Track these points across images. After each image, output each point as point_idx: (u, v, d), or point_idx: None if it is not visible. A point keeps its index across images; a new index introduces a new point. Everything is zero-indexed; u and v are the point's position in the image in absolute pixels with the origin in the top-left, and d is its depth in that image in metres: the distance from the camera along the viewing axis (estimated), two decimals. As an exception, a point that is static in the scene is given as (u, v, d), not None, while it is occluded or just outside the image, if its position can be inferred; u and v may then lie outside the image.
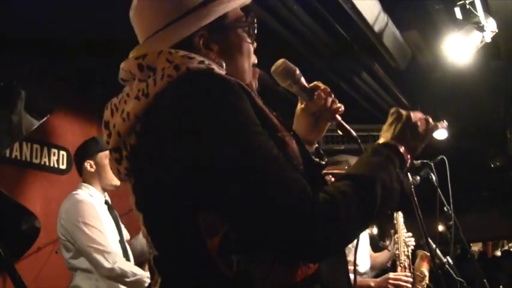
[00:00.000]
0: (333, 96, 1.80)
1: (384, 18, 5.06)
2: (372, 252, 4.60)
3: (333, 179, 1.94)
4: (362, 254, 4.27)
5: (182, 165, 1.30)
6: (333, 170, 1.95)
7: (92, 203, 3.76)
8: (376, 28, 4.98)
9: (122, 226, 3.98)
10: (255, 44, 1.66)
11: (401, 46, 5.71)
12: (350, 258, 1.81)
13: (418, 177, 3.62)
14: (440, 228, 4.43)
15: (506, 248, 13.28)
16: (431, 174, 3.57)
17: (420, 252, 4.45)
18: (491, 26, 4.75)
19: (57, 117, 5.28)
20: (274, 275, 1.31)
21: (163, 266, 1.46)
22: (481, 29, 4.65)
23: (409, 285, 4.05)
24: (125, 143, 1.44)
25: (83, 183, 3.87)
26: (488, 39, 4.77)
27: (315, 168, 1.55)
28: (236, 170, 1.26)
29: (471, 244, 13.34)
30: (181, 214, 1.33)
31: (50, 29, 4.45)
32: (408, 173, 3.34)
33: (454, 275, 3.83)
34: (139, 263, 4.00)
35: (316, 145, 1.89)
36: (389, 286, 3.93)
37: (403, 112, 1.60)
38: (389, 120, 1.61)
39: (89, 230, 3.59)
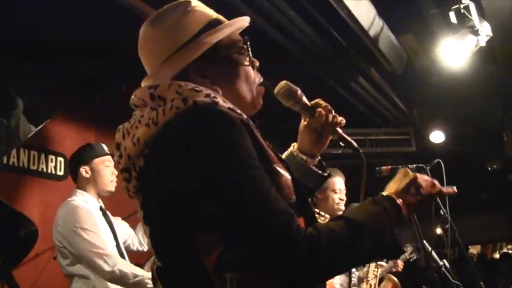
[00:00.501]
0: (333, 112, 1.92)
1: (379, 22, 5.08)
2: None
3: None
4: None
5: (182, 189, 1.42)
6: None
7: (88, 208, 3.77)
8: (372, 33, 5.00)
9: (117, 231, 3.99)
10: (257, 63, 1.76)
11: (397, 50, 5.73)
12: None
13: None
14: (438, 231, 4.44)
15: (504, 250, 13.29)
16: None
17: (388, 276, 4.49)
18: (485, 30, 4.77)
19: (54, 123, 5.29)
20: None
21: (165, 277, 1.58)
22: (475, 33, 4.67)
23: None
24: (134, 165, 1.57)
25: (78, 190, 3.88)
26: (483, 43, 4.79)
27: (305, 199, 1.64)
28: (229, 200, 1.38)
29: (470, 247, 13.34)
30: (182, 233, 1.46)
31: (49, 34, 4.46)
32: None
33: (450, 278, 3.84)
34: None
35: (319, 158, 2.02)
36: None
37: (411, 173, 1.66)
38: (397, 176, 1.68)
39: (87, 235, 3.60)
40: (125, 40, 4.54)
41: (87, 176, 3.86)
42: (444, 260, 4.01)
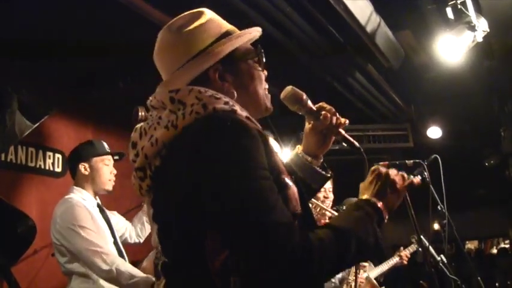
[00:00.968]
0: (337, 114, 2.03)
1: (376, 18, 5.08)
2: None
3: None
4: None
5: (196, 192, 1.49)
6: None
7: (86, 206, 3.77)
8: (369, 29, 5.00)
9: (115, 228, 4.00)
10: (266, 72, 1.86)
11: (394, 46, 5.73)
12: None
13: (412, 177, 3.64)
14: (436, 226, 4.45)
15: (502, 245, 13.32)
16: (425, 173, 3.59)
17: (370, 280, 4.50)
18: (482, 26, 4.78)
19: (52, 120, 5.29)
20: None
21: (170, 273, 1.66)
22: (472, 28, 4.67)
23: None
24: (150, 164, 1.64)
25: (75, 187, 3.88)
26: (480, 39, 4.79)
27: (309, 211, 1.75)
28: (237, 207, 1.45)
29: (467, 242, 13.38)
30: (191, 234, 1.54)
31: (46, 32, 4.45)
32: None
33: (447, 273, 3.85)
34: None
35: (322, 159, 2.12)
36: None
37: (383, 170, 1.79)
38: (370, 178, 1.79)
39: (85, 233, 3.60)
40: (123, 38, 4.59)
41: (86, 173, 3.87)
42: (442, 255, 4.03)
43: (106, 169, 3.93)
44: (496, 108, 7.78)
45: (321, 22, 5.06)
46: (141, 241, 4.30)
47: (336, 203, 4.64)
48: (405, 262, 5.15)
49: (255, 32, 1.85)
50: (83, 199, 3.81)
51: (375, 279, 4.59)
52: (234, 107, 1.60)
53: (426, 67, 6.29)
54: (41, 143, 5.40)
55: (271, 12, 4.63)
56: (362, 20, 4.84)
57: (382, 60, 5.75)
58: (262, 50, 1.85)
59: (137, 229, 4.26)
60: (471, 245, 14.32)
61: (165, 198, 1.62)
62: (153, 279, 3.38)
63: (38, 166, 5.33)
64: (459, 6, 4.59)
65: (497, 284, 9.13)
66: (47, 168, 5.44)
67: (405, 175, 1.82)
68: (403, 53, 5.99)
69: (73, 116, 5.78)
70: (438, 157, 3.64)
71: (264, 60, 1.85)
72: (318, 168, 2.09)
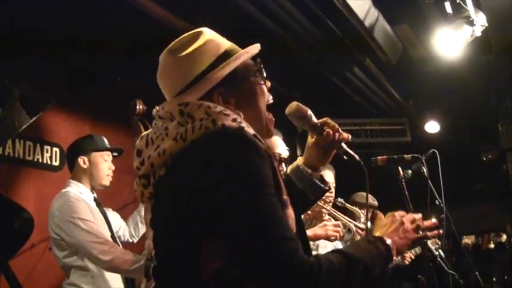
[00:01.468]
0: (340, 130, 2.09)
1: (374, 13, 5.07)
2: None
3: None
4: None
5: (201, 202, 1.53)
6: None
7: (83, 199, 3.77)
8: (367, 23, 4.99)
9: (112, 222, 4.00)
10: (269, 84, 1.91)
11: (392, 40, 5.73)
12: None
13: (410, 171, 3.64)
14: (433, 221, 4.45)
15: (498, 240, 13.34)
16: (423, 167, 3.59)
17: None
18: (481, 20, 4.77)
19: (49, 114, 5.28)
20: None
21: (161, 277, 1.72)
22: (471, 23, 4.67)
23: None
24: (154, 173, 1.69)
25: (72, 181, 3.88)
26: (478, 34, 4.79)
27: (303, 231, 1.85)
28: (245, 222, 1.48)
29: (464, 237, 13.39)
30: (188, 240, 1.57)
31: (45, 26, 4.44)
32: (400, 167, 3.37)
33: (445, 268, 3.85)
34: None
35: (321, 172, 2.19)
36: None
37: (399, 216, 1.87)
38: (386, 220, 1.88)
39: (84, 225, 3.61)
40: (122, 33, 4.58)
41: (85, 166, 3.87)
42: (439, 250, 4.03)
43: (105, 164, 3.94)
44: (494, 103, 7.79)
45: (319, 16, 5.06)
46: (135, 241, 4.30)
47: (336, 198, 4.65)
48: (407, 262, 5.13)
49: (253, 49, 1.88)
50: (80, 193, 3.82)
51: None
52: (241, 124, 1.63)
53: (424, 62, 6.28)
54: (38, 136, 5.39)
55: (269, 6, 4.62)
56: (360, 14, 4.83)
57: (380, 54, 5.75)
58: (262, 65, 1.89)
59: (131, 229, 4.26)
60: (468, 239, 14.34)
61: (166, 206, 1.68)
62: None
63: (35, 160, 5.32)
64: (458, 1, 4.58)
65: (494, 279, 9.14)
66: (45, 162, 5.43)
67: (422, 224, 1.90)
68: (401, 47, 5.98)
69: (71, 110, 5.77)
70: (436, 152, 3.64)
71: (265, 73, 1.89)
72: (316, 181, 2.15)
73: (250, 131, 1.65)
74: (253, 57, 1.90)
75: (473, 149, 9.26)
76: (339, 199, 4.65)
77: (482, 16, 4.82)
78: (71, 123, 5.73)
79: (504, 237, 12.84)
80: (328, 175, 4.17)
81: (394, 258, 1.82)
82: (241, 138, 1.59)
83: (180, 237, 1.59)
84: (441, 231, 2.02)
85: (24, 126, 4.20)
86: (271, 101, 1.92)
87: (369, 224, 4.55)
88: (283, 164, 3.38)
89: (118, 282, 3.78)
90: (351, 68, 6.36)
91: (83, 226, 3.60)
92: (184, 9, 4.53)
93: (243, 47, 1.87)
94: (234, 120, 1.63)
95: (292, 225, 1.65)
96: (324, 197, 4.20)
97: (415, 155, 3.54)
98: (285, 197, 1.65)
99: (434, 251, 4.01)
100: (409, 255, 5.24)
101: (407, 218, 1.87)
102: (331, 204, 4.31)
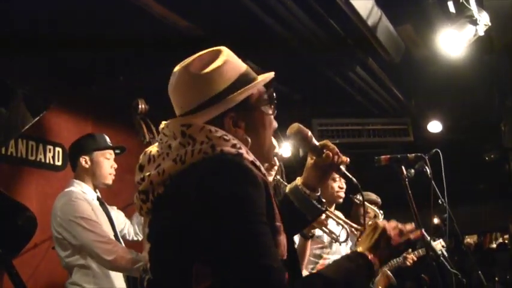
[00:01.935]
0: (339, 153, 2.14)
1: (377, 12, 5.07)
2: None
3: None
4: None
5: (193, 224, 1.57)
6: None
7: (86, 198, 3.77)
8: (370, 22, 4.99)
9: (116, 221, 4.00)
10: (275, 112, 1.95)
11: (395, 40, 5.72)
12: None
13: (413, 171, 3.64)
14: (436, 221, 4.45)
15: (500, 240, 13.33)
16: (426, 167, 3.59)
17: (385, 272, 4.50)
18: (484, 20, 4.75)
19: (52, 114, 5.29)
20: None
21: None
22: (474, 22, 4.65)
23: None
24: (153, 190, 1.74)
25: (75, 180, 3.88)
26: (481, 33, 4.77)
27: (295, 257, 1.88)
28: (233, 249, 1.52)
29: (466, 236, 13.38)
30: (180, 259, 1.62)
31: (47, 25, 4.45)
32: (403, 166, 3.37)
33: (448, 267, 3.85)
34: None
35: (319, 192, 2.22)
36: None
37: (380, 224, 1.88)
38: (367, 231, 1.89)
39: (87, 224, 3.61)
40: (124, 31, 4.58)
41: (87, 166, 3.87)
42: (442, 249, 4.03)
43: (107, 163, 3.93)
44: (496, 103, 7.77)
45: (321, 15, 5.05)
46: (140, 239, 4.30)
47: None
48: (409, 264, 5.10)
49: (268, 77, 1.91)
50: (83, 192, 3.82)
51: None
52: (240, 149, 1.68)
53: (427, 61, 6.27)
54: (41, 136, 5.39)
55: (272, 5, 4.62)
56: (363, 13, 4.83)
57: (383, 54, 5.74)
58: (274, 94, 1.93)
59: (135, 227, 4.26)
60: (470, 239, 14.32)
61: (162, 222, 1.72)
62: None
63: (38, 159, 5.33)
64: (461, 0, 4.57)
65: (496, 279, 9.13)
66: (47, 161, 5.44)
67: (404, 229, 1.91)
68: (404, 46, 5.97)
69: (73, 110, 5.78)
70: (439, 151, 3.64)
71: (275, 101, 1.93)
72: (314, 202, 2.18)
73: (249, 157, 1.71)
74: (267, 86, 1.93)
75: (476, 148, 9.24)
76: (358, 196, 4.64)
77: (485, 15, 4.81)
78: (73, 123, 5.73)
79: (506, 237, 12.84)
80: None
81: (395, 261, 1.86)
82: (237, 166, 1.63)
83: (174, 255, 1.64)
84: (423, 232, 2.09)
85: (27, 126, 4.20)
86: (276, 127, 1.97)
87: None
88: (282, 165, 3.40)
89: (120, 282, 3.78)
90: (353, 68, 6.35)
91: (85, 225, 3.60)
92: (186, 9, 4.53)
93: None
94: (234, 146, 1.68)
95: (283, 251, 1.69)
96: (335, 192, 4.25)
97: (418, 154, 3.54)
98: (278, 223, 1.69)
99: (438, 251, 4.02)
100: (411, 257, 5.21)
101: (390, 226, 1.88)
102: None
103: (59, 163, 5.54)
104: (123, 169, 4.18)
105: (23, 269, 4.10)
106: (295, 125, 2.12)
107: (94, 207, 3.79)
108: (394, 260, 5.05)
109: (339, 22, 5.24)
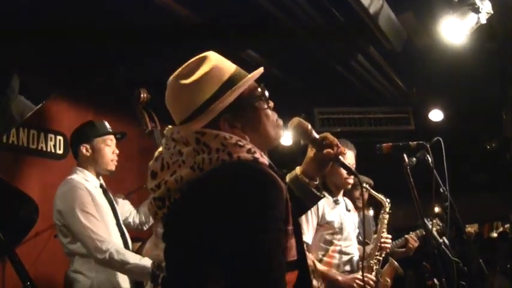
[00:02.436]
0: (338, 144, 2.20)
1: (379, 0, 5.05)
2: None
3: None
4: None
5: (212, 230, 1.65)
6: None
7: (88, 188, 3.77)
8: (372, 10, 4.97)
9: (118, 209, 4.00)
10: (272, 104, 2.01)
11: (396, 28, 5.70)
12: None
13: (414, 159, 3.64)
14: (437, 209, 4.45)
15: (501, 229, 13.33)
16: (427, 155, 3.59)
17: (393, 263, 4.50)
18: (486, 8, 4.74)
19: (53, 102, 5.29)
20: None
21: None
22: (476, 10, 4.63)
23: None
24: (170, 197, 1.80)
25: (78, 168, 3.88)
26: (483, 21, 4.76)
27: (304, 257, 1.93)
28: (248, 257, 1.59)
29: (467, 225, 13.38)
30: (195, 261, 1.69)
31: (48, 15, 4.43)
32: (404, 154, 3.37)
33: (450, 255, 3.86)
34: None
35: (317, 181, 2.28)
36: (355, 286, 4.00)
37: None
38: None
39: (83, 217, 3.61)
40: (125, 21, 4.56)
41: (88, 154, 3.87)
42: (444, 237, 4.03)
43: (108, 149, 3.92)
44: (498, 92, 7.76)
45: (322, 3, 5.03)
46: (145, 229, 4.31)
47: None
48: (411, 246, 5.01)
49: (257, 74, 1.97)
50: (86, 180, 3.82)
51: None
52: (255, 154, 1.77)
53: (429, 50, 6.25)
54: (42, 125, 5.40)
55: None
56: (365, 1, 4.81)
57: (384, 42, 5.72)
58: (265, 88, 1.99)
59: (141, 216, 4.27)
60: (471, 228, 14.33)
61: (177, 227, 1.80)
62: (149, 268, 3.47)
63: (39, 148, 5.34)
64: (463, -12, 4.56)
65: (497, 268, 9.13)
66: (49, 150, 5.45)
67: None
68: (405, 35, 5.95)
69: (74, 98, 5.78)
70: (441, 140, 3.63)
71: (267, 95, 1.99)
72: (313, 189, 2.24)
73: (264, 160, 1.80)
74: (257, 80, 1.99)
75: (477, 137, 9.24)
76: (365, 184, 4.64)
77: (487, 3, 4.79)
78: (74, 112, 5.74)
79: (507, 226, 12.85)
80: (349, 155, 4.17)
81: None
82: (256, 172, 1.72)
83: (189, 256, 1.72)
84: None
85: (28, 115, 4.20)
86: (277, 117, 2.02)
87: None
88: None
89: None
90: (354, 56, 6.33)
91: (81, 219, 3.61)
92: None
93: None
94: (249, 151, 1.77)
95: (293, 253, 1.78)
96: (343, 179, 4.28)
97: (420, 142, 3.54)
98: (290, 227, 1.76)
99: (439, 239, 4.02)
100: (412, 237, 5.08)
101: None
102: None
103: (60, 152, 5.55)
104: (125, 157, 4.19)
105: (25, 258, 4.12)
106: (296, 119, 2.18)
107: (96, 196, 3.79)
108: (396, 241, 5.03)
109: (341, 10, 5.22)
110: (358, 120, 7.49)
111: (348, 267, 4.19)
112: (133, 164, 5.56)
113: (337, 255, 4.17)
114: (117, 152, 3.98)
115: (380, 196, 4.63)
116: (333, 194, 4.25)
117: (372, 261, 4.33)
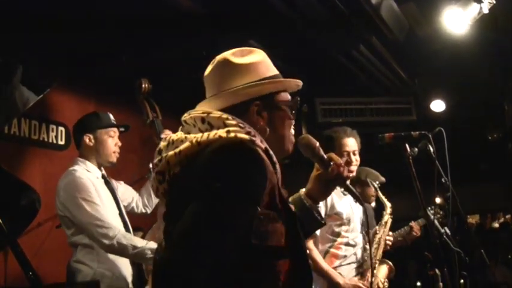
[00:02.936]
0: (345, 167, 2.19)
1: (381, -10, 5.05)
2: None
3: None
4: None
5: (194, 200, 1.69)
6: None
7: (90, 178, 3.77)
8: (374, 0, 4.96)
9: (120, 198, 4.01)
10: (293, 121, 2.10)
11: (398, 18, 5.69)
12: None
13: (416, 149, 3.63)
14: (438, 199, 4.45)
15: (502, 220, 13.34)
16: (429, 145, 3.58)
17: (385, 261, 4.50)
18: (489, -3, 4.73)
19: (55, 93, 5.28)
20: None
21: None
22: (478, 0, 4.62)
23: None
24: (169, 170, 1.87)
25: (79, 159, 3.88)
26: (485, 11, 4.75)
27: (300, 245, 1.92)
28: (188, 232, 1.65)
29: (468, 216, 13.39)
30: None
31: (49, 5, 4.42)
32: (407, 144, 3.37)
33: (451, 246, 3.86)
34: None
35: (319, 205, 2.27)
36: None
37: None
38: None
39: (88, 206, 3.61)
40: (126, 12, 4.55)
41: (91, 144, 3.87)
42: (445, 228, 4.03)
43: (111, 141, 3.92)
44: (500, 82, 7.75)
45: (325, -6, 5.03)
46: (149, 211, 4.31)
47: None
48: (415, 234, 4.99)
49: (297, 83, 2.10)
50: (88, 171, 3.82)
51: None
52: (254, 137, 1.81)
53: (430, 40, 6.24)
54: (44, 115, 5.40)
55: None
56: (367, -9, 4.81)
57: (386, 32, 5.72)
58: (299, 101, 2.09)
59: (144, 199, 4.27)
60: (472, 219, 14.34)
61: (177, 201, 1.83)
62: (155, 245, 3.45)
63: (41, 139, 5.34)
64: (465, -22, 4.54)
65: (499, 258, 9.15)
66: (50, 141, 5.45)
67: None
68: (407, 25, 5.94)
69: (76, 89, 5.78)
70: (443, 130, 3.62)
71: (295, 112, 2.08)
72: (315, 213, 2.22)
73: (262, 145, 1.84)
74: (293, 94, 2.09)
75: (479, 127, 9.23)
76: (376, 183, 4.64)
77: (490, -7, 4.78)
78: (76, 102, 5.74)
79: (508, 217, 12.86)
80: (350, 142, 4.15)
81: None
82: (244, 149, 1.76)
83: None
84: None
85: (30, 105, 4.19)
86: (293, 139, 2.09)
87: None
88: None
89: (124, 260, 3.79)
90: (357, 46, 6.32)
91: (86, 207, 3.61)
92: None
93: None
94: (248, 133, 1.81)
95: (279, 238, 1.78)
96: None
97: (422, 132, 3.54)
98: (276, 212, 1.79)
99: (441, 229, 4.02)
100: (415, 226, 5.05)
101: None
102: None
103: (62, 142, 5.55)
104: (127, 149, 4.18)
105: (27, 248, 4.13)
106: (306, 136, 2.20)
107: (98, 186, 3.79)
108: (399, 230, 5.01)
109: (343, 0, 5.21)
110: (360, 111, 7.49)
111: (353, 258, 4.20)
112: (134, 155, 5.55)
113: (343, 247, 4.18)
114: (120, 144, 3.98)
115: (384, 199, 4.62)
116: None
117: (374, 262, 4.33)
